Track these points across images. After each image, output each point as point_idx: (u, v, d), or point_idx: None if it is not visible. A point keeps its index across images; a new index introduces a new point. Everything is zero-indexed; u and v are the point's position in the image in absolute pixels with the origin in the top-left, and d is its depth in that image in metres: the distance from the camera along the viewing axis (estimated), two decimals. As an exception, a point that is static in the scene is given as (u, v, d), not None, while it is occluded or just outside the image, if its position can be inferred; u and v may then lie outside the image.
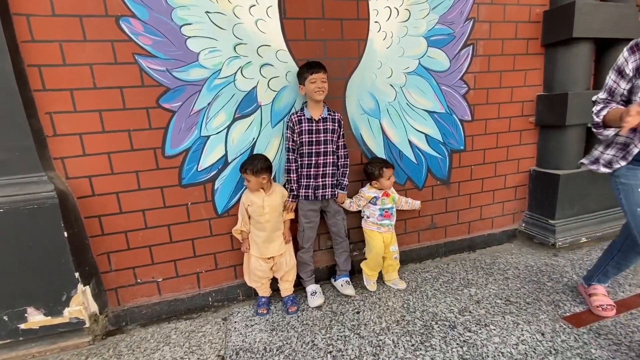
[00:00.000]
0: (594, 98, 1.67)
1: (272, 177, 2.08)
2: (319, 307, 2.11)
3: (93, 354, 1.81)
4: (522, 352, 1.64)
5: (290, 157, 2.06)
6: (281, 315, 2.06)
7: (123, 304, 2.06)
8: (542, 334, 1.76)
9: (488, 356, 1.62)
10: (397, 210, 2.35)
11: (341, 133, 2.12)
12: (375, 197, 2.23)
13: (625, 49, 1.53)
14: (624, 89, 1.54)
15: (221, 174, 2.08)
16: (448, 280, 2.34)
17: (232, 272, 2.23)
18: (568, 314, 1.90)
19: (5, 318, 1.74)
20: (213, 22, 1.91)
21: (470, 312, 1.98)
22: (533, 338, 1.73)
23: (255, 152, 2.10)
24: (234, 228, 2.07)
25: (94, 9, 1.73)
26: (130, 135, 1.89)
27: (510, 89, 2.63)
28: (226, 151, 2.06)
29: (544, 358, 1.59)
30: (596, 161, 1.70)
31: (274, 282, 2.21)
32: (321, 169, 2.06)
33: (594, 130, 1.66)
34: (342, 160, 2.14)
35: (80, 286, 1.81)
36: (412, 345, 1.73)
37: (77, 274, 1.79)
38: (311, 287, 2.20)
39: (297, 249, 2.20)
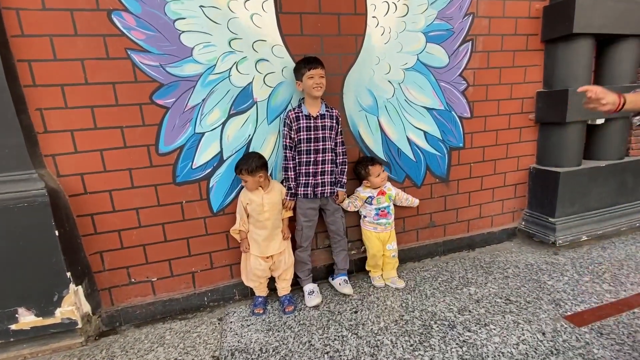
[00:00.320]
0: None
1: (269, 174, 2.04)
2: (316, 307, 2.07)
3: (86, 355, 1.77)
4: (523, 352, 1.60)
5: (288, 154, 2.02)
6: (278, 315, 2.03)
7: (117, 304, 2.02)
8: (543, 334, 1.72)
9: (488, 356, 1.59)
10: (396, 207, 2.33)
11: (339, 130, 2.08)
12: (370, 197, 2.19)
13: None
14: None
15: (216, 171, 2.04)
16: (447, 279, 2.30)
17: (228, 272, 2.20)
18: (569, 313, 1.87)
19: (-5, 319, 1.70)
20: (207, 17, 1.87)
21: (469, 311, 1.94)
22: (534, 338, 1.70)
23: (251, 150, 2.07)
24: (232, 228, 2.02)
25: (85, 3, 1.69)
26: (123, 132, 1.85)
27: (509, 86, 2.60)
28: (221, 148, 2.03)
29: (545, 358, 1.56)
30: None
31: (271, 282, 2.17)
32: (320, 166, 2.02)
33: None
34: (341, 157, 2.11)
35: (72, 286, 1.77)
36: (411, 345, 1.69)
37: (69, 274, 1.75)
38: (309, 287, 2.16)
39: (294, 247, 2.17)
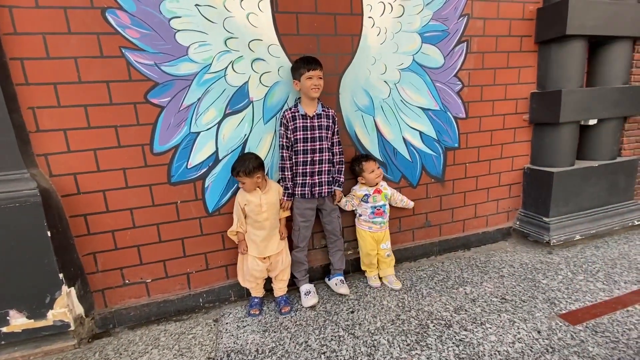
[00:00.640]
0: None
1: (265, 174, 2.03)
2: (312, 307, 2.06)
3: (78, 358, 1.74)
4: (519, 351, 1.61)
5: (284, 154, 2.02)
6: (274, 316, 2.01)
7: (110, 305, 1.99)
8: (539, 332, 1.73)
9: (484, 355, 1.59)
10: (391, 207, 2.33)
11: (335, 129, 2.08)
12: (366, 194, 2.19)
13: None
14: None
15: (212, 171, 2.03)
16: (443, 279, 2.31)
17: (224, 272, 2.18)
18: (564, 312, 1.88)
19: (-15, 321, 1.67)
20: (203, 15, 1.86)
21: (465, 310, 1.95)
22: (529, 336, 1.70)
23: (247, 150, 2.05)
24: (230, 229, 2.00)
25: (79, 1, 1.67)
26: (117, 131, 1.83)
27: (504, 87, 2.62)
28: (217, 148, 2.01)
29: (540, 356, 1.57)
30: None
31: (267, 283, 2.16)
32: (317, 166, 2.02)
33: None
34: (338, 157, 2.10)
35: (64, 288, 1.74)
36: (408, 344, 1.69)
37: (61, 275, 1.72)
38: (305, 287, 2.15)
39: (291, 247, 2.15)
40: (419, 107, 2.40)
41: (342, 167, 2.12)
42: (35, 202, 1.63)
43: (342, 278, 2.24)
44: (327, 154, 2.04)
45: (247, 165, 1.87)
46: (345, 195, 2.24)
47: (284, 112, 2.00)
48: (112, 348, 1.81)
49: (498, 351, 1.61)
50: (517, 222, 2.88)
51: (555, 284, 2.17)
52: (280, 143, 2.02)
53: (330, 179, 2.09)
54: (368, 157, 2.20)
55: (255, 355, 1.68)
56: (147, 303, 2.03)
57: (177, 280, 2.09)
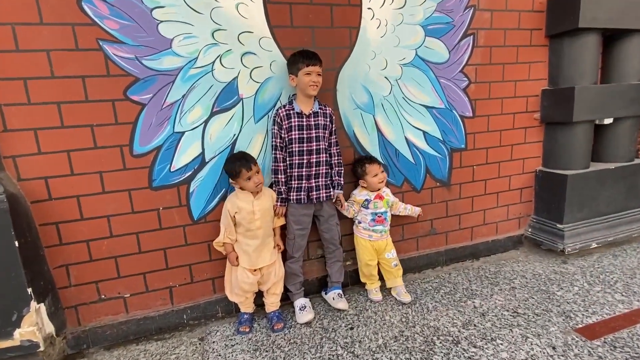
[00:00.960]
0: None
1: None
2: (308, 324, 2.06)
3: (48, 382, 1.72)
4: (533, 369, 1.63)
5: (278, 155, 2.03)
6: (265, 334, 2.01)
7: (84, 323, 1.97)
8: (554, 348, 1.75)
9: (495, 374, 1.61)
10: (393, 215, 2.34)
11: (333, 129, 2.11)
12: (367, 199, 2.21)
13: None
14: None
15: (197, 175, 2.03)
16: (450, 291, 2.33)
17: (210, 286, 2.17)
18: (580, 326, 1.91)
19: (-56, 342, 1.64)
20: (188, 5, 1.87)
21: (475, 325, 1.96)
22: (544, 352, 1.72)
23: (236, 151, 2.06)
24: (216, 240, 1.99)
25: (53, -11, 1.68)
26: (93, 131, 1.83)
27: (513, 83, 2.67)
28: (203, 149, 2.02)
29: (556, 374, 1.59)
30: None
31: (258, 297, 2.16)
32: (314, 168, 2.03)
33: None
34: (336, 157, 2.13)
35: (33, 304, 1.72)
36: (412, 363, 1.70)
37: (30, 290, 1.71)
38: (300, 301, 2.15)
39: (285, 258, 2.16)
40: (422, 105, 2.44)
41: (342, 169, 2.14)
42: (2, 208, 1.61)
43: (341, 291, 2.24)
44: (324, 155, 2.06)
45: (250, 156, 1.93)
46: (346, 200, 2.26)
47: (277, 110, 2.02)
48: (86, 371, 1.80)
49: (510, 369, 1.63)
50: (529, 229, 2.92)
51: (570, 295, 2.20)
52: (274, 143, 2.04)
53: (329, 182, 2.11)
54: (372, 159, 2.23)
55: (245, 377, 1.68)
56: (125, 320, 2.02)
57: (159, 294, 2.08)
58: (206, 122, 2.00)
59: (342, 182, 2.15)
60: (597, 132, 2.84)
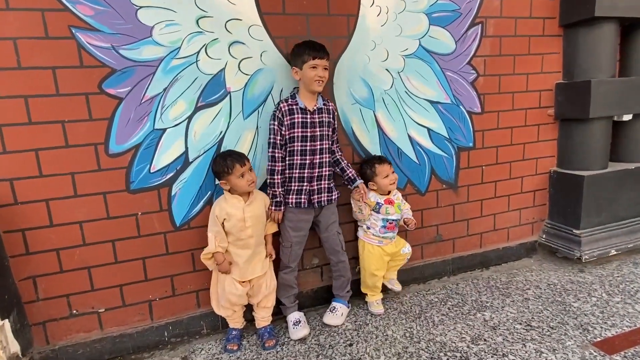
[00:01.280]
0: None
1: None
2: (303, 340, 2.07)
3: (12, 408, 1.71)
4: (548, 386, 1.65)
5: (277, 154, 2.03)
6: (256, 352, 2.01)
7: (53, 342, 1.96)
8: (570, 364, 1.78)
9: (508, 392, 1.63)
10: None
11: (335, 126, 2.15)
12: (378, 203, 2.23)
13: None
14: None
15: (180, 176, 2.04)
16: (458, 304, 2.35)
17: (194, 299, 2.18)
18: (599, 339, 1.94)
19: None
20: (170, -10, 1.89)
21: (485, 340, 1.99)
22: (560, 369, 1.76)
23: (223, 149, 2.07)
24: (205, 251, 1.95)
25: (20, -30, 1.68)
26: (64, 128, 1.83)
27: (525, 76, 2.72)
28: (186, 148, 2.03)
29: (573, 392, 1.61)
30: None
31: (248, 311, 2.16)
32: (317, 170, 2.05)
33: None
34: (340, 153, 2.20)
35: (-4, 320, 1.72)
36: (417, 382, 1.72)
37: (-8, 305, 1.70)
38: (294, 316, 2.16)
39: (278, 268, 2.17)
40: (426, 99, 2.47)
41: (347, 161, 2.22)
42: (-38, 214, 1.61)
43: (336, 305, 2.26)
44: (327, 155, 2.09)
45: (241, 154, 1.97)
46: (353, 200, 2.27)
47: (278, 105, 2.03)
48: (55, 394, 1.79)
49: (523, 387, 1.66)
50: (543, 236, 2.96)
51: (588, 307, 2.24)
52: (272, 141, 2.03)
53: (332, 185, 2.13)
54: (382, 159, 2.27)
55: (233, 399, 1.68)
56: (99, 338, 2.01)
57: (137, 309, 2.08)
58: (190, 118, 2.01)
59: (355, 173, 2.21)
60: (616, 130, 2.89)
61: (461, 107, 2.57)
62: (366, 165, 2.26)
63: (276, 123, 2.01)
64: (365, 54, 2.28)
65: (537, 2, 2.65)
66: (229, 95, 2.06)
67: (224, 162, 1.89)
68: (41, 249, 1.88)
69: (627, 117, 2.79)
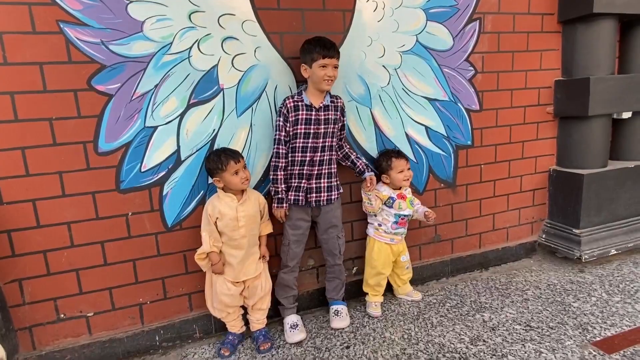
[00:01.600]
0: None
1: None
2: (299, 343, 2.11)
3: (-2, 415, 1.72)
4: (547, 386, 1.71)
5: (281, 150, 2.09)
6: (251, 355, 2.05)
7: (40, 347, 1.97)
8: (569, 363, 1.84)
9: (507, 392, 1.68)
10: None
11: (345, 122, 2.21)
12: (391, 197, 2.29)
13: None
14: None
15: (172, 175, 2.06)
16: (457, 305, 2.41)
17: (186, 302, 2.20)
18: (598, 339, 2.00)
19: None
20: (162, -16, 1.92)
21: (484, 341, 2.04)
22: (559, 368, 1.81)
23: (217, 147, 2.10)
24: (199, 251, 1.97)
25: (6, -37, 1.70)
26: (52, 126, 1.85)
27: (524, 73, 2.79)
28: (178, 146, 2.05)
29: (572, 391, 1.67)
30: None
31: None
32: (317, 167, 2.10)
33: None
34: (347, 147, 2.29)
35: (-19, 324, 1.73)
36: (416, 383, 1.76)
37: (-23, 308, 1.71)
38: (291, 319, 2.20)
39: (278, 268, 2.22)
40: (424, 97, 2.53)
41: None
42: (-54, 214, 1.62)
43: (338, 308, 2.31)
44: (330, 153, 2.13)
45: (234, 150, 2.01)
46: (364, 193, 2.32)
47: (284, 101, 2.08)
48: (43, 401, 1.80)
49: (523, 387, 1.71)
50: (543, 235, 3.03)
51: (588, 307, 2.31)
52: (277, 137, 2.09)
53: (334, 184, 2.18)
54: (400, 153, 2.35)
55: (228, 403, 1.71)
56: (87, 343, 2.02)
57: (127, 313, 2.10)
58: (182, 115, 2.04)
59: (366, 163, 2.28)
60: (615, 128, 2.97)
61: (459, 104, 2.63)
62: (383, 157, 2.33)
63: (281, 119, 2.07)
64: (362, 50, 2.33)
65: (535, -2, 2.72)
66: (222, 92, 2.09)
67: (218, 158, 1.93)
68: (28, 251, 1.89)
69: (626, 115, 2.87)
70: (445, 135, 2.63)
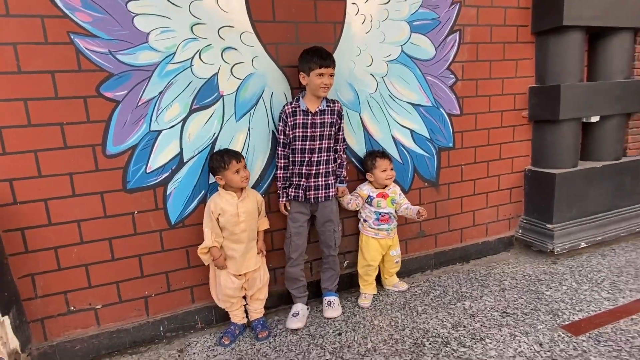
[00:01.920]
0: None
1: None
2: (294, 331, 2.21)
3: (14, 401, 1.79)
4: (520, 365, 1.84)
5: (280, 152, 2.22)
6: (250, 343, 2.14)
7: (51, 338, 2.03)
8: (540, 344, 1.97)
9: (484, 371, 1.80)
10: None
11: (341, 125, 2.31)
12: (370, 196, 2.41)
13: None
14: None
15: (175, 176, 2.14)
16: (440, 295, 2.53)
17: (189, 295, 2.28)
18: (567, 323, 2.14)
19: None
20: (166, -2, 2.00)
21: (464, 326, 2.17)
22: (531, 349, 1.94)
23: (217, 150, 2.18)
24: (202, 246, 2.06)
25: (20, -21, 1.77)
26: (63, 130, 1.91)
27: (501, 80, 2.92)
28: (181, 149, 2.14)
29: (542, 369, 1.80)
30: None
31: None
32: (314, 167, 2.21)
33: None
34: (341, 152, 2.36)
35: (-3, 316, 1.78)
36: (402, 365, 1.88)
37: (-7, 301, 1.77)
38: (296, 307, 2.33)
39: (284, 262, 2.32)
40: (409, 102, 2.65)
41: (344, 162, 2.37)
42: (-35, 213, 1.67)
43: (331, 299, 2.41)
44: (326, 154, 2.24)
45: (235, 151, 2.10)
46: (351, 193, 2.45)
47: (284, 107, 2.20)
48: (55, 388, 1.87)
49: (498, 366, 1.83)
50: (520, 231, 3.18)
51: (559, 295, 2.45)
52: (278, 140, 2.22)
53: (331, 181, 2.28)
54: (384, 154, 2.47)
55: (230, 386, 1.80)
56: (96, 334, 2.09)
57: (133, 305, 2.17)
58: (185, 120, 2.12)
59: (344, 174, 2.37)
60: (585, 131, 3.13)
61: (441, 109, 2.75)
62: (368, 157, 2.45)
63: (281, 124, 2.20)
64: (351, 60, 2.44)
65: (510, 11, 2.85)
66: (222, 99, 2.18)
67: (221, 157, 2.02)
68: (40, 247, 1.95)
69: (594, 119, 3.03)
70: (429, 138, 2.75)
